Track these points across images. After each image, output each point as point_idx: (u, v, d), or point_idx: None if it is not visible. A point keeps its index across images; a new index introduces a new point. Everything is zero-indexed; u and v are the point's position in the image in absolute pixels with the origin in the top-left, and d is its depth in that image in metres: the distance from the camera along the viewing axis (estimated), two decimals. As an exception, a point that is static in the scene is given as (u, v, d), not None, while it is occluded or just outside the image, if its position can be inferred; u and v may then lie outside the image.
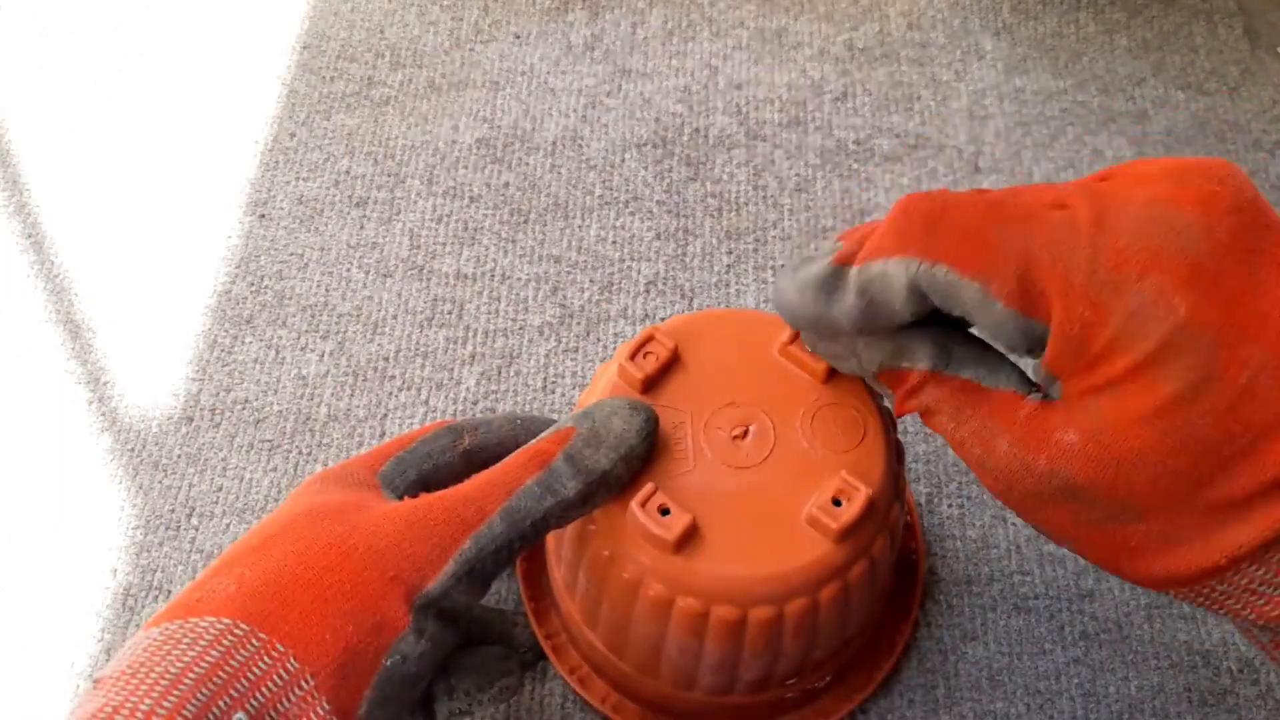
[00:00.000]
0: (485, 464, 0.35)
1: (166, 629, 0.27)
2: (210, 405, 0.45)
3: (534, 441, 0.32)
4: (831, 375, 0.34)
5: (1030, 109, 0.54)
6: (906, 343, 0.29)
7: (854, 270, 0.27)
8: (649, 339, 0.34)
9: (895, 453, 0.34)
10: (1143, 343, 0.24)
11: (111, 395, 0.45)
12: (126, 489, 0.43)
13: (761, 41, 0.56)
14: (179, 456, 0.44)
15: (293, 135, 0.53)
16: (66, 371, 0.46)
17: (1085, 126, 0.53)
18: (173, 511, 0.42)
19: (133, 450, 0.44)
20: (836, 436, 0.33)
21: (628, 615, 0.33)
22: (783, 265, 0.34)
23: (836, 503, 0.31)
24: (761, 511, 0.31)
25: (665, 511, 0.31)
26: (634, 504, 0.31)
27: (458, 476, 0.34)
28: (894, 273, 0.27)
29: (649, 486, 0.31)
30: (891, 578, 0.37)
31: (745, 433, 0.33)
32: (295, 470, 0.43)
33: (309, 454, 0.44)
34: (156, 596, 0.41)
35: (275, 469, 0.43)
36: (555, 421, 0.36)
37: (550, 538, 0.38)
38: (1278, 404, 0.24)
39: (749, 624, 0.31)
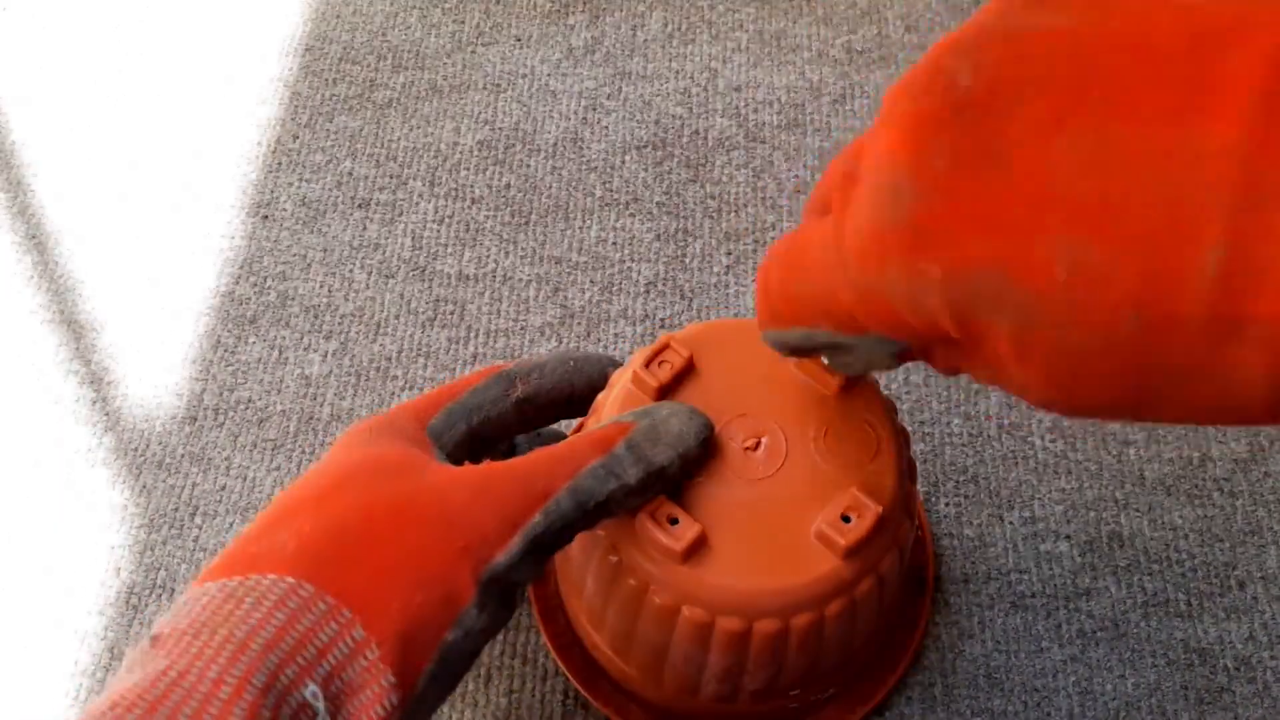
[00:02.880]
0: (538, 412, 0.35)
1: (226, 585, 0.26)
2: (214, 405, 0.45)
3: (595, 429, 0.32)
4: (846, 390, 0.34)
5: (1028, 111, 0.54)
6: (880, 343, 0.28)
7: (762, 334, 0.30)
8: (664, 347, 0.34)
9: (908, 470, 0.34)
10: (941, 319, 0.22)
11: (115, 395, 0.45)
12: (130, 488, 0.43)
13: (760, 44, 0.57)
14: (182, 456, 0.44)
15: (295, 137, 0.53)
16: (71, 371, 0.46)
17: (1082, 129, 0.54)
18: (176, 510, 0.43)
19: (136, 449, 0.44)
20: (849, 452, 0.33)
21: (634, 622, 0.33)
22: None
23: (846, 519, 0.31)
24: (770, 524, 0.32)
25: (674, 521, 0.31)
26: (643, 513, 0.31)
27: (509, 427, 0.34)
28: (773, 340, 0.29)
29: (659, 495, 0.31)
30: (900, 593, 0.37)
31: (757, 445, 0.33)
32: (298, 469, 0.44)
33: (312, 453, 0.44)
34: (160, 595, 0.41)
35: (278, 468, 0.44)
36: (608, 358, 0.36)
37: None
38: (1121, 268, 0.19)
39: (754, 636, 0.31)
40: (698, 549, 0.31)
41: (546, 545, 0.29)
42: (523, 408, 0.35)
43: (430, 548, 0.27)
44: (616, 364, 0.36)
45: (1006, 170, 0.20)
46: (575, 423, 0.40)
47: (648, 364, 0.33)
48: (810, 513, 0.32)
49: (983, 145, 0.21)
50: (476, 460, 0.33)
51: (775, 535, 0.31)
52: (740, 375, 0.34)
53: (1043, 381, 0.22)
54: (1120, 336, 0.20)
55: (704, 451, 0.32)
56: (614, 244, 0.50)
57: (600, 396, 0.35)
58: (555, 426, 0.43)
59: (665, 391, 0.33)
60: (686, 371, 0.34)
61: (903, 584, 0.36)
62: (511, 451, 0.38)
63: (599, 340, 0.47)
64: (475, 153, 0.53)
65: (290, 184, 0.52)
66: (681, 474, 0.32)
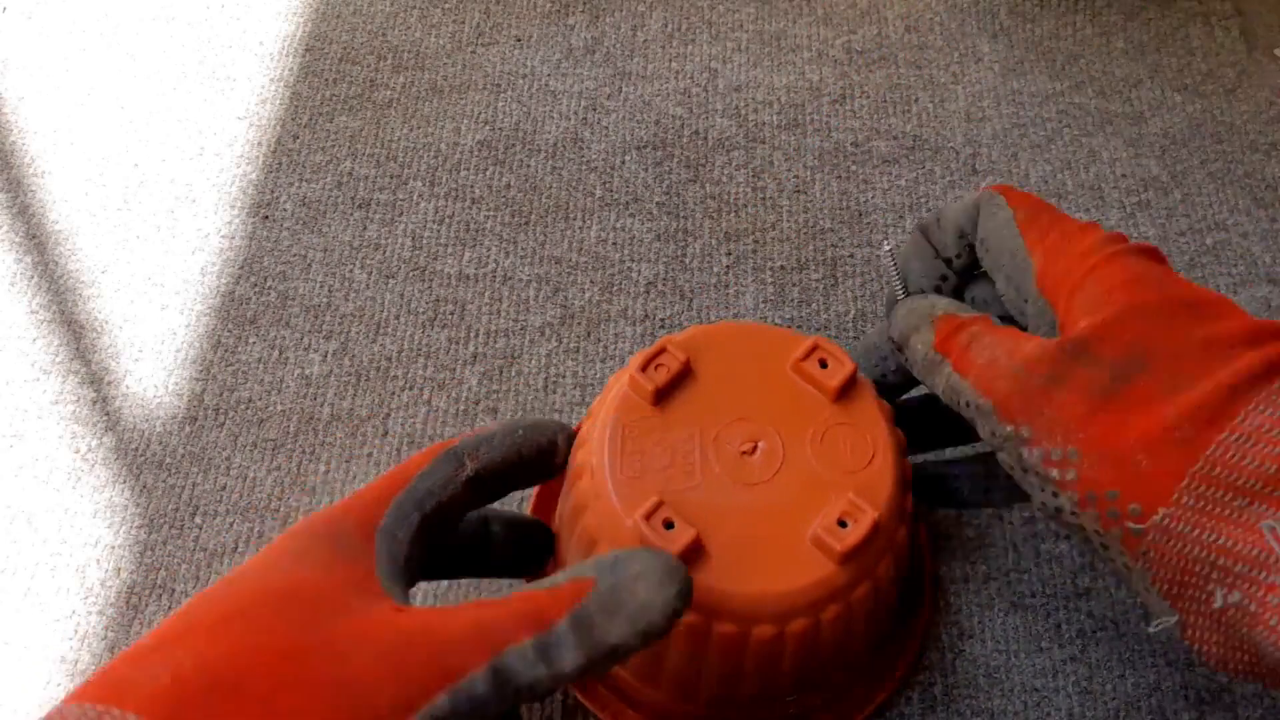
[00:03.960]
0: (490, 486, 0.33)
1: (86, 714, 0.23)
2: (214, 405, 0.45)
3: (540, 587, 0.27)
4: (842, 395, 0.34)
5: (1027, 111, 0.54)
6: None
7: (949, 370, 0.33)
8: (661, 350, 0.34)
9: (904, 476, 0.34)
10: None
11: (115, 395, 0.45)
12: (130, 488, 0.43)
13: (760, 44, 0.57)
14: (182, 456, 0.44)
15: (296, 137, 0.53)
16: (71, 371, 0.46)
17: (1082, 128, 0.54)
18: (176, 510, 0.43)
19: (136, 449, 0.44)
20: (845, 457, 0.33)
21: None
22: (901, 293, 0.37)
23: (842, 524, 0.31)
24: (767, 529, 0.32)
25: (669, 525, 0.31)
26: (638, 516, 0.31)
27: (464, 506, 0.33)
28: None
29: (654, 500, 0.31)
30: (898, 598, 0.37)
31: (754, 449, 0.33)
32: (298, 469, 0.44)
33: (312, 453, 0.44)
34: (160, 595, 0.41)
35: (279, 468, 0.44)
36: (558, 424, 0.35)
37: (559, 546, 0.38)
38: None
39: (750, 641, 0.31)
40: (693, 554, 0.31)
41: None
42: (474, 484, 0.33)
43: (308, 713, 0.24)
44: (566, 428, 0.35)
45: None
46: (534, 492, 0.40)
47: (645, 367, 0.33)
48: (807, 517, 0.32)
49: None
50: (435, 545, 0.32)
51: (771, 540, 0.31)
52: (738, 379, 0.34)
53: None
54: None
55: (673, 626, 0.27)
56: (614, 244, 0.50)
57: (596, 401, 0.35)
58: (543, 418, 0.39)
59: (662, 395, 0.33)
60: (684, 375, 0.34)
61: (900, 589, 0.36)
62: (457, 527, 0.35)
63: (599, 340, 0.47)
64: (475, 153, 0.53)
65: (290, 184, 0.52)
66: (642, 648, 0.26)
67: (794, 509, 0.32)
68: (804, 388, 0.34)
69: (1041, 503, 0.30)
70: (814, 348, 0.34)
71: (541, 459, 0.35)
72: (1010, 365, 0.31)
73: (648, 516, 0.31)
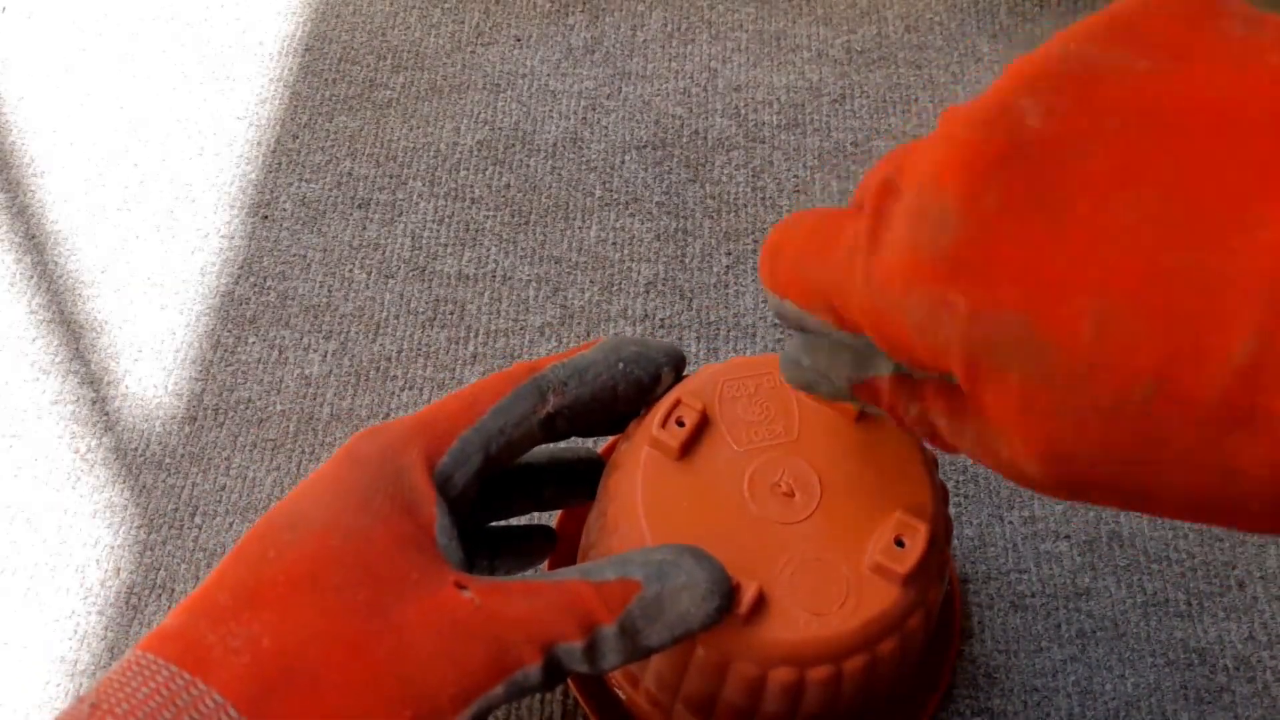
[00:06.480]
0: (570, 425, 0.32)
1: (174, 679, 0.25)
2: (213, 405, 0.45)
3: (588, 577, 0.28)
4: (864, 416, 0.33)
5: (1027, 111, 0.54)
6: (864, 350, 0.27)
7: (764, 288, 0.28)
8: (676, 403, 0.33)
9: (942, 486, 0.33)
10: (950, 354, 0.21)
11: (115, 395, 0.45)
12: (130, 488, 0.43)
13: (760, 44, 0.57)
14: (182, 456, 0.44)
15: (295, 137, 0.53)
16: (71, 371, 0.46)
17: (1082, 128, 0.54)
18: (176, 510, 0.43)
19: (136, 449, 0.44)
20: (880, 474, 0.32)
21: (700, 682, 0.32)
22: None
23: (899, 543, 0.31)
24: (821, 566, 0.31)
25: None
26: None
27: (533, 445, 0.31)
28: (772, 303, 0.27)
29: None
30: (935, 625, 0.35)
31: (789, 487, 0.32)
32: (298, 469, 0.44)
33: (312, 453, 0.44)
34: (160, 595, 0.41)
35: (278, 468, 0.44)
36: (666, 351, 0.33)
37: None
38: (1149, 339, 0.19)
39: (807, 683, 0.31)
40: (757, 607, 0.30)
41: (496, 708, 0.27)
42: (553, 422, 0.31)
43: (376, 711, 0.25)
44: (676, 356, 0.33)
45: (1058, 220, 0.20)
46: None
47: (664, 423, 0.32)
48: (859, 545, 0.31)
49: (1038, 191, 0.20)
50: (491, 483, 0.31)
51: (828, 576, 0.31)
52: (758, 417, 0.33)
53: (1038, 446, 0.21)
54: (1130, 405, 0.19)
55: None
56: (614, 244, 0.50)
57: (621, 451, 0.34)
58: (646, 340, 0.36)
59: (685, 449, 0.32)
60: (703, 425, 0.33)
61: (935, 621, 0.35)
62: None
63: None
64: (475, 153, 0.53)
65: (290, 184, 0.52)
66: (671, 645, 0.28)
67: (844, 538, 0.31)
68: (824, 411, 0.33)
69: None
70: None
71: (639, 397, 0.33)
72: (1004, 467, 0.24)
73: None
